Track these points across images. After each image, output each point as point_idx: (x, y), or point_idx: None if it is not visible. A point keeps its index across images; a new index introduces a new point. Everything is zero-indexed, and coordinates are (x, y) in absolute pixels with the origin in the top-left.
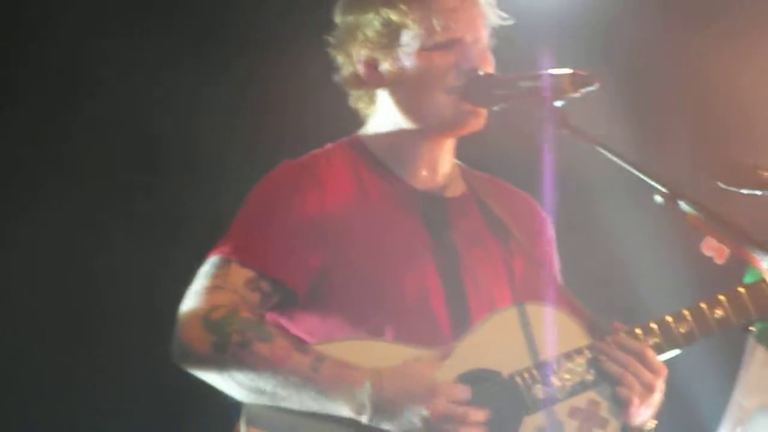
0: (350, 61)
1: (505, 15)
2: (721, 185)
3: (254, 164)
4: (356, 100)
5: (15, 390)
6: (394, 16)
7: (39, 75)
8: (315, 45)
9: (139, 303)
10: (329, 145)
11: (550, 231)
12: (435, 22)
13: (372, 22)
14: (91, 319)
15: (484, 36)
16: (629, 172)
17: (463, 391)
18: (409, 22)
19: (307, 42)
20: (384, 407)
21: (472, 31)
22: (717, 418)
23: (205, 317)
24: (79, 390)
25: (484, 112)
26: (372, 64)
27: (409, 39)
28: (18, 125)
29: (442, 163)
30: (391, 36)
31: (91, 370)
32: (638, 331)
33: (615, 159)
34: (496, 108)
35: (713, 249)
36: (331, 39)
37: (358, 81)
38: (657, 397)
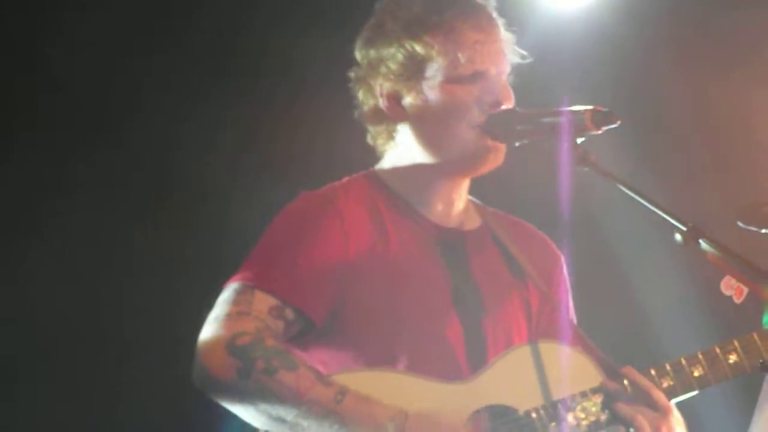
0: (372, 95)
1: (524, 53)
2: (741, 224)
3: (262, 198)
4: (374, 136)
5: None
6: (419, 48)
7: (66, 113)
8: (325, 83)
9: (156, 331)
10: (346, 179)
11: (564, 269)
12: (460, 54)
13: (395, 55)
14: (108, 347)
15: (506, 71)
16: (649, 210)
17: None
18: (434, 54)
19: (320, 77)
20: None
21: (496, 65)
22: None
23: (229, 343)
24: (96, 409)
25: (503, 148)
26: (395, 98)
27: (434, 71)
28: (41, 162)
29: (458, 198)
30: (414, 69)
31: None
32: (653, 372)
33: (635, 197)
34: (516, 144)
35: (732, 288)
36: (351, 74)
37: (379, 115)
38: None
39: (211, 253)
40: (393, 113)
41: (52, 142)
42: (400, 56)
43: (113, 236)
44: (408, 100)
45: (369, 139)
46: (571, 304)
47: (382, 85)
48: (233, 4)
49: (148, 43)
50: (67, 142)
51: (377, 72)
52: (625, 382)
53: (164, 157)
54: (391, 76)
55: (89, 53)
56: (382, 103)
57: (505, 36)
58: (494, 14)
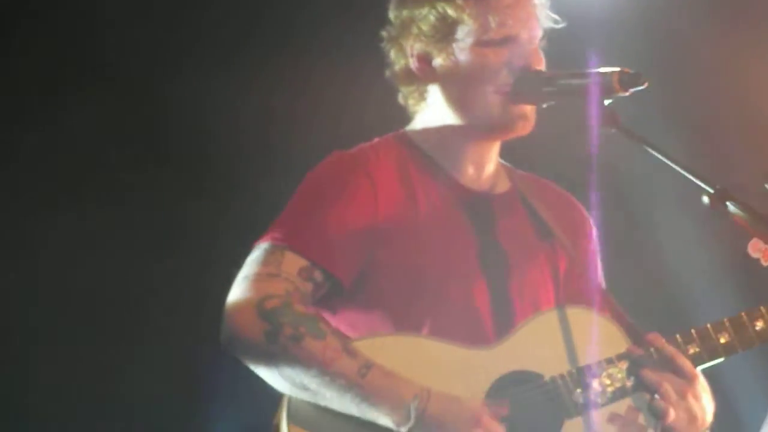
0: (403, 55)
1: (557, 17)
2: None
3: (294, 163)
4: (406, 96)
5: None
6: (450, 11)
7: (88, 84)
8: (357, 43)
9: (186, 297)
10: (377, 139)
11: (593, 232)
12: (491, 18)
13: (427, 16)
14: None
15: (538, 36)
16: (676, 172)
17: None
18: (465, 17)
19: (347, 41)
20: (425, 424)
21: (528, 30)
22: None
23: (258, 305)
24: (120, 383)
25: (532, 116)
26: (425, 59)
27: (464, 34)
28: (61, 133)
29: (489, 160)
30: (445, 30)
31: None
32: (679, 338)
33: (663, 159)
34: (544, 105)
35: (760, 250)
36: (384, 33)
37: (410, 76)
38: (693, 405)
39: (240, 216)
40: (423, 74)
41: (72, 118)
42: (431, 17)
43: (144, 201)
44: (438, 61)
45: (400, 99)
46: (599, 267)
47: (413, 46)
48: None
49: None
50: (88, 113)
51: (409, 32)
52: (651, 348)
53: (194, 119)
54: (423, 37)
55: (108, 25)
56: (412, 63)
57: (539, 0)
58: None
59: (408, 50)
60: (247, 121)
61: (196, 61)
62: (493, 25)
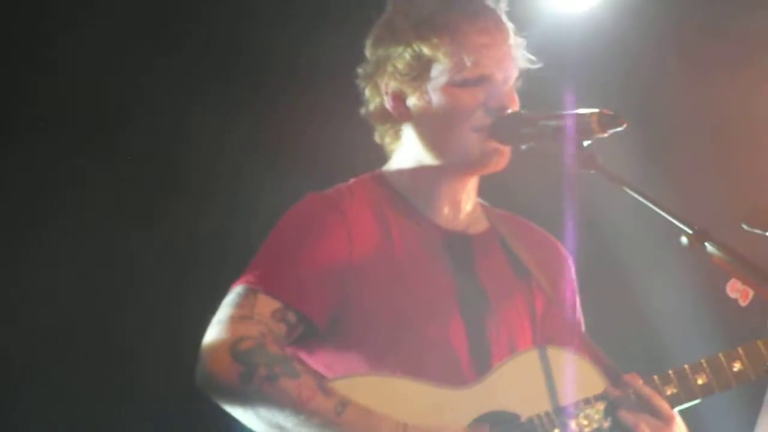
0: (378, 93)
1: (533, 58)
2: (745, 227)
3: (272, 194)
4: (382, 134)
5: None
6: (425, 49)
7: (70, 105)
8: (336, 79)
9: (160, 329)
10: (353, 180)
11: (571, 272)
12: (465, 57)
13: (403, 55)
14: (112, 345)
15: (513, 76)
16: (655, 212)
17: None
18: (440, 55)
19: (327, 76)
20: None
21: (502, 70)
22: None
23: (232, 347)
24: (100, 412)
25: (507, 151)
26: (399, 98)
27: (438, 73)
28: (47, 154)
29: (465, 200)
30: (420, 69)
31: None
32: (656, 379)
33: (641, 199)
34: (523, 147)
35: (738, 291)
36: (360, 71)
37: (384, 114)
38: None
39: (215, 254)
40: (397, 113)
41: (54, 143)
42: (407, 56)
43: (117, 237)
44: (412, 100)
45: (377, 138)
46: (578, 306)
47: (388, 84)
48: (238, 4)
49: (152, 43)
50: (69, 142)
51: (384, 70)
52: (629, 389)
53: (169, 158)
54: (398, 76)
55: (92, 52)
56: (387, 102)
57: (515, 41)
58: (504, 18)
59: (383, 88)
60: (223, 160)
61: (174, 99)
62: (467, 64)
